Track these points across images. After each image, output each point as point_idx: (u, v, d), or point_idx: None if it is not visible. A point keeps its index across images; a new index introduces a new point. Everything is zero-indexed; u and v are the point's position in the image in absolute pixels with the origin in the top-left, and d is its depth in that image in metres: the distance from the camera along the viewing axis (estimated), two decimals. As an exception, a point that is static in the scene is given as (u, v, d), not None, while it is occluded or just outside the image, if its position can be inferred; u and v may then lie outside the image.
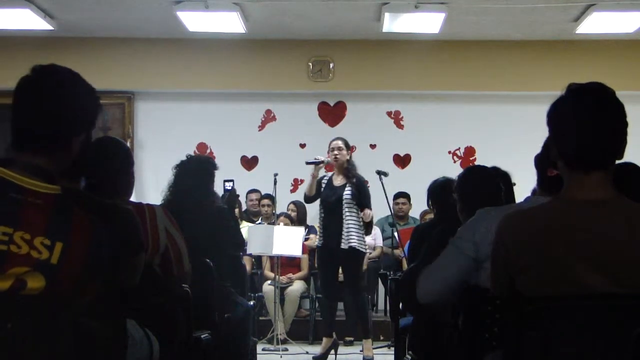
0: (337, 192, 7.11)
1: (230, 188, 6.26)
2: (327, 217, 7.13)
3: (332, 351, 7.39)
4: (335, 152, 7.13)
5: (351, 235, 7.01)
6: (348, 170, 7.13)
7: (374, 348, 8.08)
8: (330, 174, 7.36)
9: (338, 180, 7.19)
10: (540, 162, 2.92)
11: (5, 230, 1.93)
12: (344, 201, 7.03)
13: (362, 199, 7.06)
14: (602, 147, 2.21)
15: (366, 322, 7.27)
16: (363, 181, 7.22)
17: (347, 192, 7.05)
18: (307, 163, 7.28)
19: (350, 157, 7.24)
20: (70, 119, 2.11)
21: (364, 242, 7.19)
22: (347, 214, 7.03)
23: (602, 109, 2.22)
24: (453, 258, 2.95)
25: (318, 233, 7.34)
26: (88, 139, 2.21)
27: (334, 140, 7.28)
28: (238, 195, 6.98)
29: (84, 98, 2.15)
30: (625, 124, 2.23)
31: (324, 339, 7.42)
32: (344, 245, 7.00)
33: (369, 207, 7.17)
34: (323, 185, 7.23)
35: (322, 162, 7.21)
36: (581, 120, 2.20)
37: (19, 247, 1.92)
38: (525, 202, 2.97)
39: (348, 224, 7.01)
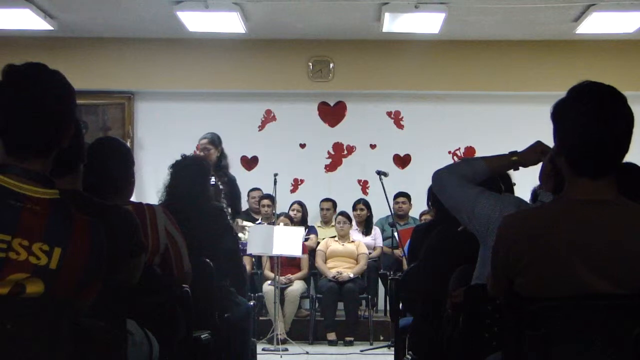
0: None
1: (213, 183, 6.27)
2: None
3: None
4: (203, 152, 6.97)
5: None
6: (219, 167, 6.92)
7: (374, 348, 8.10)
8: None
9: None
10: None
11: (3, 238, 1.92)
12: None
13: (233, 199, 7.03)
14: (610, 155, 2.20)
15: None
16: (233, 179, 7.13)
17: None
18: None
19: (222, 152, 7.04)
20: (58, 117, 2.08)
21: None
22: None
23: (615, 117, 2.19)
24: (472, 191, 2.94)
25: None
26: (77, 125, 2.17)
27: (201, 139, 7.11)
28: (222, 190, 6.99)
29: (62, 90, 2.11)
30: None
31: None
32: None
33: (238, 207, 7.19)
34: None
35: None
36: (592, 128, 2.18)
37: (17, 253, 1.91)
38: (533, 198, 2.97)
39: None
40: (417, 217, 9.17)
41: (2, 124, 2.04)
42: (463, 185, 2.96)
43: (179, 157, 5.10)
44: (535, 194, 4.19)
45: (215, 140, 7.08)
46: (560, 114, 2.24)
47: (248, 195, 9.49)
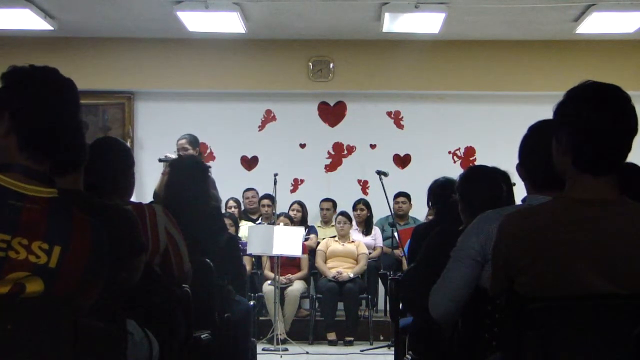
0: None
1: None
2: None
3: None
4: (181, 152, 7.12)
5: None
6: None
7: (374, 348, 8.10)
8: None
9: None
10: (530, 156, 2.78)
11: (3, 238, 1.92)
12: None
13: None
14: (616, 155, 2.21)
15: None
16: (212, 181, 7.19)
17: None
18: (160, 160, 7.24)
19: (199, 153, 7.26)
20: (61, 118, 2.09)
21: None
22: None
23: (622, 117, 2.19)
24: (456, 272, 2.87)
25: None
26: (79, 124, 2.18)
27: (179, 139, 7.29)
28: None
29: (65, 92, 2.13)
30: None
31: None
32: None
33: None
34: None
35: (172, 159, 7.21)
36: (600, 128, 2.17)
37: (17, 252, 1.91)
38: (522, 203, 2.92)
39: None
40: (417, 217, 9.16)
41: (13, 124, 2.05)
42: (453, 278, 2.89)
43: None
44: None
45: (192, 141, 7.27)
46: (564, 111, 2.25)
47: (243, 196, 9.50)
